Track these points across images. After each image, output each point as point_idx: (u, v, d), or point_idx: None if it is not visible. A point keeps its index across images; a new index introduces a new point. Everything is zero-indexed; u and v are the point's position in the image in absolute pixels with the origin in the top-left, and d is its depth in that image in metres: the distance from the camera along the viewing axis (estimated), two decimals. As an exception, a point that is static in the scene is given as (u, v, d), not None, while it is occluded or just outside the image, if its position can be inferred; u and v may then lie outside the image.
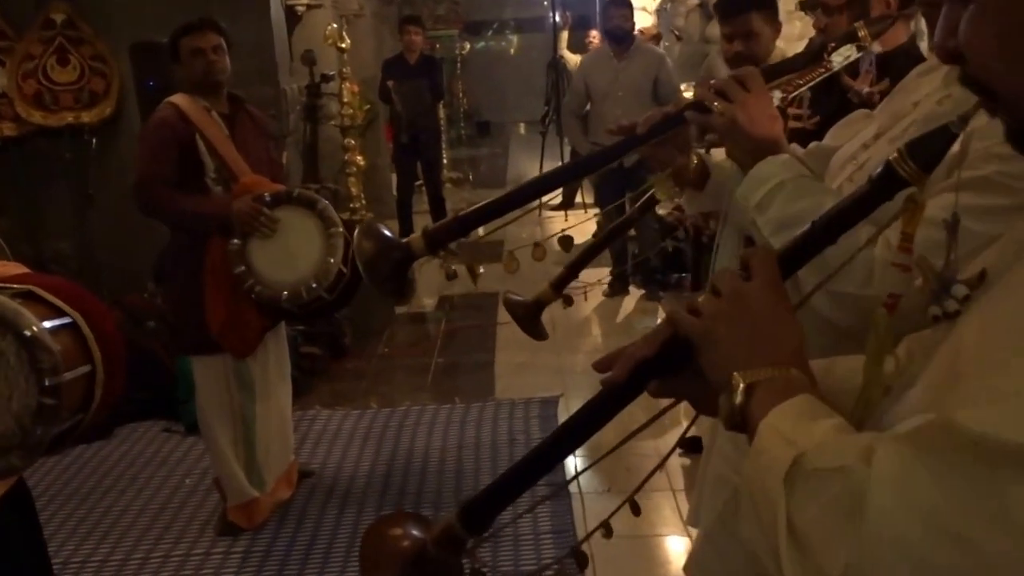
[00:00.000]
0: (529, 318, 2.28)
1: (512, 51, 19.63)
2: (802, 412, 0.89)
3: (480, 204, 1.80)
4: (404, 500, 4.05)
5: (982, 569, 0.70)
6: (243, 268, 3.58)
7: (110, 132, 5.92)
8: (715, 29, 8.46)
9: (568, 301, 2.36)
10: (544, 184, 2.09)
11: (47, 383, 1.92)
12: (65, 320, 2.04)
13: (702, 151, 1.86)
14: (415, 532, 1.30)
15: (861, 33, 1.71)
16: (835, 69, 1.74)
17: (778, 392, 0.91)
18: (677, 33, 9.77)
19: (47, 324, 1.96)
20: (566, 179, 2.54)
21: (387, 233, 1.84)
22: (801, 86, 1.78)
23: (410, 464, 4.42)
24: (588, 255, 2.31)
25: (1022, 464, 0.69)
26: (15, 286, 2.04)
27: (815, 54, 1.78)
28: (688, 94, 6.68)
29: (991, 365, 0.77)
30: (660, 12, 10.47)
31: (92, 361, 2.06)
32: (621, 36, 6.58)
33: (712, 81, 1.66)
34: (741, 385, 0.92)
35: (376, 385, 5.54)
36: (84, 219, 5.95)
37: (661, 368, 1.05)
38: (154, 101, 4.84)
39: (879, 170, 0.95)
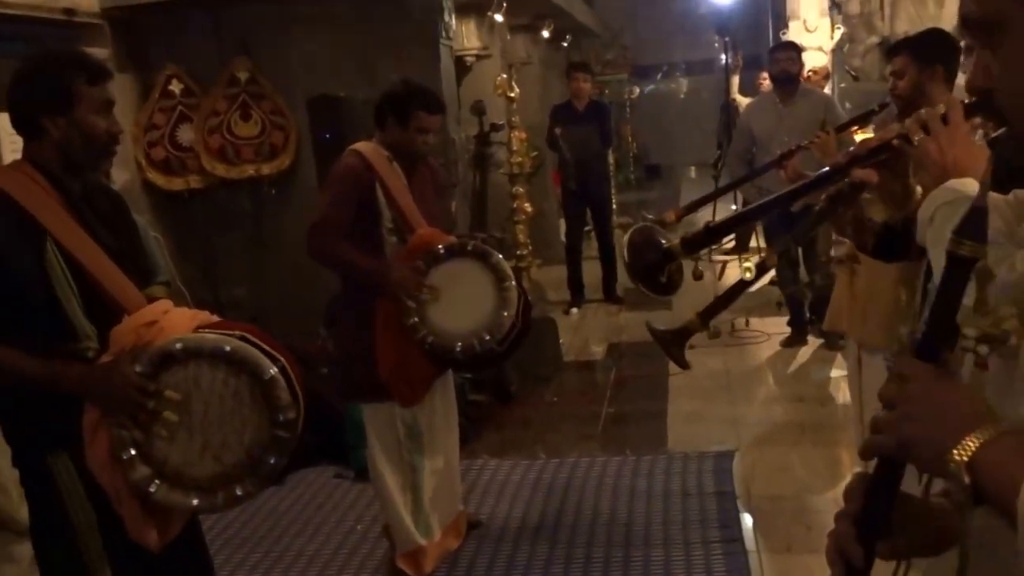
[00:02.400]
0: (675, 344, 2.43)
1: (682, 94, 19.60)
2: None
3: (728, 216, 2.24)
4: (573, 553, 4.02)
5: None
6: (416, 320, 3.66)
7: (287, 183, 6.23)
8: (895, 69, 8.22)
9: (715, 333, 2.69)
10: (779, 201, 2.34)
11: (281, 418, 2.16)
12: (279, 364, 2.24)
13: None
14: None
15: None
16: None
17: (1004, 448, 0.92)
18: (853, 73, 9.51)
19: (274, 369, 2.20)
20: (797, 196, 2.73)
21: (656, 237, 2.26)
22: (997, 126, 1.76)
23: (580, 516, 4.39)
24: (735, 291, 2.42)
25: None
26: (233, 332, 2.22)
27: None
28: (859, 136, 6.50)
29: None
30: (836, 51, 10.24)
31: (299, 400, 2.22)
32: (786, 80, 6.50)
33: (922, 111, 1.74)
34: (964, 460, 0.93)
35: (544, 434, 5.54)
36: (259, 266, 6.26)
37: (878, 508, 1.10)
38: (329, 152, 5.09)
39: (944, 265, 1.03)
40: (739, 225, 2.45)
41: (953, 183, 1.57)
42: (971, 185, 1.57)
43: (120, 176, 5.64)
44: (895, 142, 1.77)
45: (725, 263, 8.72)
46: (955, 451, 0.93)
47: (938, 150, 1.66)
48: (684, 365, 2.48)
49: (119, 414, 2.17)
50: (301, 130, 6.08)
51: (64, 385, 2.18)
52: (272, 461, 2.21)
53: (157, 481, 2.19)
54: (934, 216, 1.54)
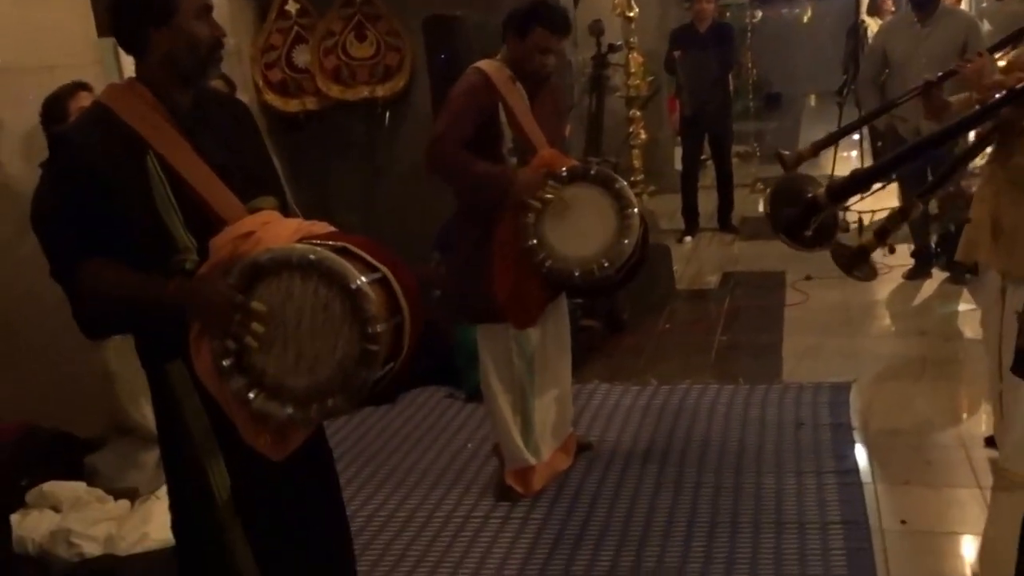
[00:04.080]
0: (857, 262, 2.50)
1: (805, 18, 18.94)
2: None
3: (876, 163, 2.28)
4: (684, 478, 4.05)
5: None
6: (535, 242, 3.68)
7: (402, 106, 6.29)
8: (1042, -12, 7.78)
9: (892, 249, 2.76)
10: (929, 142, 2.36)
11: (369, 331, 2.12)
12: (377, 275, 2.23)
13: None
14: None
15: None
16: None
17: None
18: (996, -7, 9.07)
19: (364, 278, 2.16)
20: (947, 138, 2.73)
21: (800, 187, 2.29)
22: None
23: (690, 443, 4.41)
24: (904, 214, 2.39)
25: None
26: (332, 243, 2.25)
27: None
28: (1002, 63, 6.18)
29: None
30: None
31: (401, 312, 2.24)
32: (924, 1, 6.18)
33: None
34: None
35: (655, 362, 5.55)
36: (373, 191, 6.37)
37: None
38: (445, 73, 5.12)
39: None
40: (888, 172, 2.37)
41: None
42: None
43: (241, 99, 5.78)
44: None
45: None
46: None
47: None
48: (872, 276, 2.50)
49: (213, 325, 2.21)
50: (416, 51, 6.11)
51: (163, 298, 2.23)
52: (363, 375, 2.15)
53: (255, 391, 2.20)
54: None
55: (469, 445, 4.60)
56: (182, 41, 2.30)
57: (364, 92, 6.20)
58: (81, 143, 2.26)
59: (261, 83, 6.25)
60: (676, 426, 4.61)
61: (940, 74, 3.22)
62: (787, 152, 3.38)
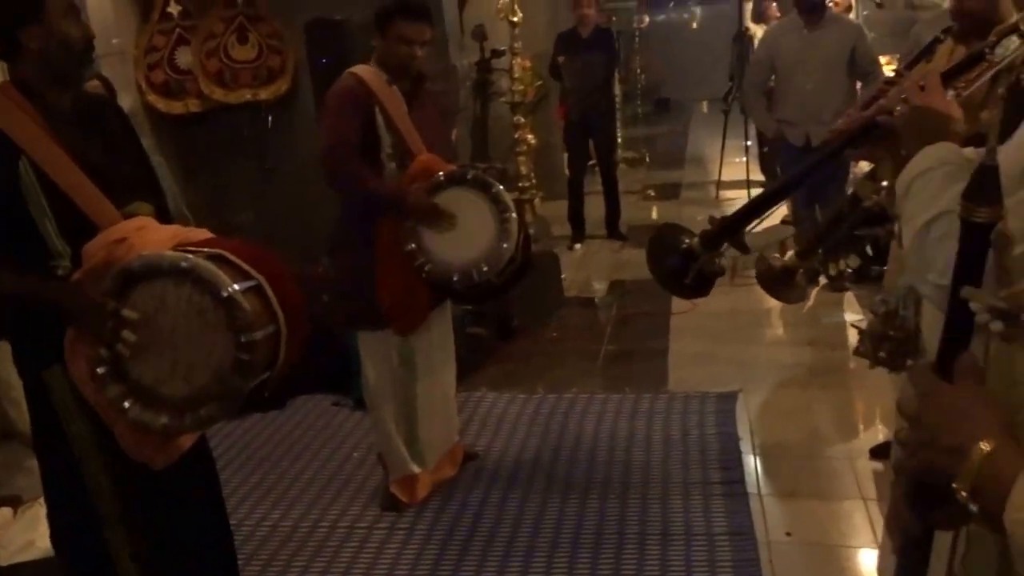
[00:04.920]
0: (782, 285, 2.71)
1: (694, 24, 19.38)
2: None
3: (743, 206, 2.37)
4: (571, 489, 4.14)
5: None
6: (414, 246, 3.75)
7: (286, 108, 6.28)
8: (923, -5, 8.17)
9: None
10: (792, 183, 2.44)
11: (243, 339, 2.15)
12: (251, 283, 2.25)
13: None
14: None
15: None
16: (1000, 64, 1.78)
17: (996, 462, 0.97)
18: (877, 1, 9.48)
19: (237, 286, 2.18)
20: (804, 178, 2.85)
21: (674, 238, 2.31)
22: (969, 85, 1.81)
23: (577, 452, 4.51)
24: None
25: None
26: (206, 250, 2.27)
27: (978, 52, 1.83)
28: (889, 68, 6.43)
29: None
30: (860, -22, 10.16)
31: (277, 321, 2.27)
32: (813, 6, 6.38)
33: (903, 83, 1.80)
34: (966, 494, 0.98)
35: (544, 369, 5.67)
36: (263, 192, 6.35)
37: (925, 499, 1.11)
38: (328, 77, 5.12)
39: (960, 231, 1.02)
40: (755, 215, 2.42)
41: (929, 150, 1.52)
42: (947, 149, 1.53)
43: (123, 100, 5.69)
44: (879, 119, 1.81)
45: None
46: (956, 485, 0.98)
47: (919, 115, 1.62)
48: (800, 298, 2.54)
49: (86, 332, 2.24)
50: (300, 55, 6.11)
51: (36, 301, 2.27)
52: (237, 384, 2.18)
53: (131, 399, 2.21)
54: (910, 187, 1.49)
55: (355, 454, 4.65)
56: (54, 40, 2.32)
57: (247, 95, 6.18)
58: None
59: (144, 84, 6.18)
60: (563, 435, 4.72)
61: (875, 92, 3.24)
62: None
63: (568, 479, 4.26)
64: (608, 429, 4.75)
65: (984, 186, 0.97)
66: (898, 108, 1.70)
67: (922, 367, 1.10)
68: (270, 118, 6.23)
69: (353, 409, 5.12)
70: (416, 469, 4.06)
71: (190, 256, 2.22)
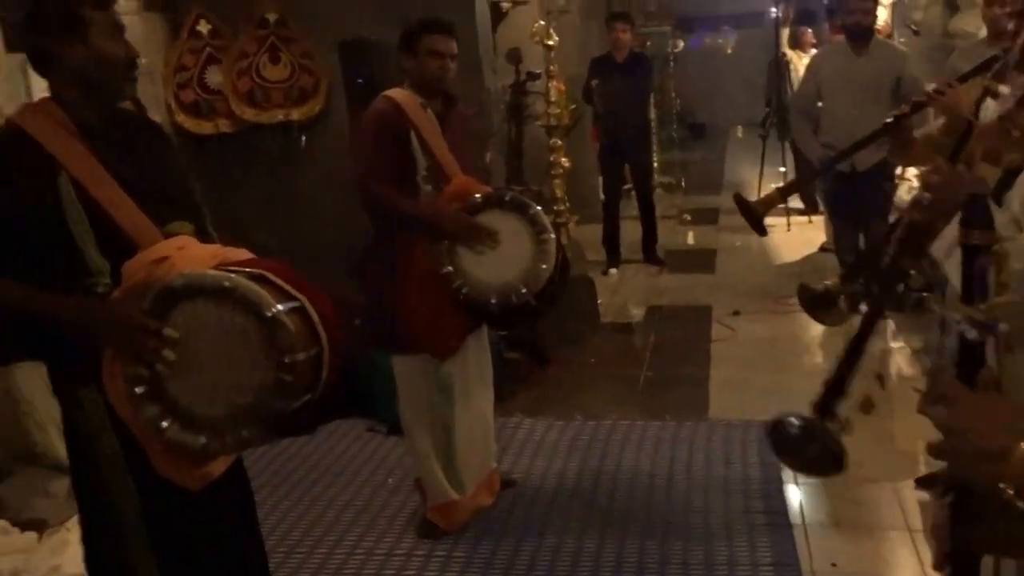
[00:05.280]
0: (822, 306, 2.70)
1: (729, 49, 19.39)
2: None
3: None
4: (611, 519, 4.08)
5: None
6: (451, 268, 3.73)
7: (318, 128, 6.27)
8: (960, 23, 8.11)
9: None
10: None
11: (286, 360, 2.11)
12: (294, 304, 2.22)
13: None
14: None
15: None
16: None
17: None
18: (914, 28, 9.42)
19: (281, 306, 2.15)
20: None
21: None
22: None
23: (617, 481, 4.45)
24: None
25: None
26: (248, 269, 2.25)
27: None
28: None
29: None
30: (896, 5, 10.12)
31: (319, 343, 2.24)
32: (861, 32, 6.35)
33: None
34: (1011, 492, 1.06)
35: (580, 395, 5.61)
36: (289, 214, 6.33)
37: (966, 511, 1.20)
38: (361, 97, 5.12)
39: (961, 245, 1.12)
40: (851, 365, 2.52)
41: None
42: None
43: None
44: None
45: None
46: (1002, 485, 1.05)
47: None
48: (840, 321, 2.73)
49: (125, 351, 2.21)
50: (333, 75, 6.11)
51: (70, 321, 2.23)
52: (279, 406, 2.16)
53: (168, 420, 2.19)
54: None
55: (390, 480, 4.59)
56: (95, 59, 2.31)
57: (279, 115, 6.17)
58: None
59: (173, 104, 6.18)
60: (602, 464, 4.65)
61: (907, 107, 3.17)
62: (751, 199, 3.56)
63: (608, 509, 4.20)
64: (648, 457, 4.69)
65: (975, 213, 1.08)
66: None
67: (944, 375, 1.18)
68: (303, 138, 6.21)
69: (387, 435, 5.08)
70: (455, 496, 4.01)
71: (233, 275, 2.20)
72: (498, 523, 4.08)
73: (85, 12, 2.30)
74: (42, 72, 2.38)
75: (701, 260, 8.82)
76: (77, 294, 2.25)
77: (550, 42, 6.70)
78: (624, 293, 7.86)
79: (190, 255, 2.32)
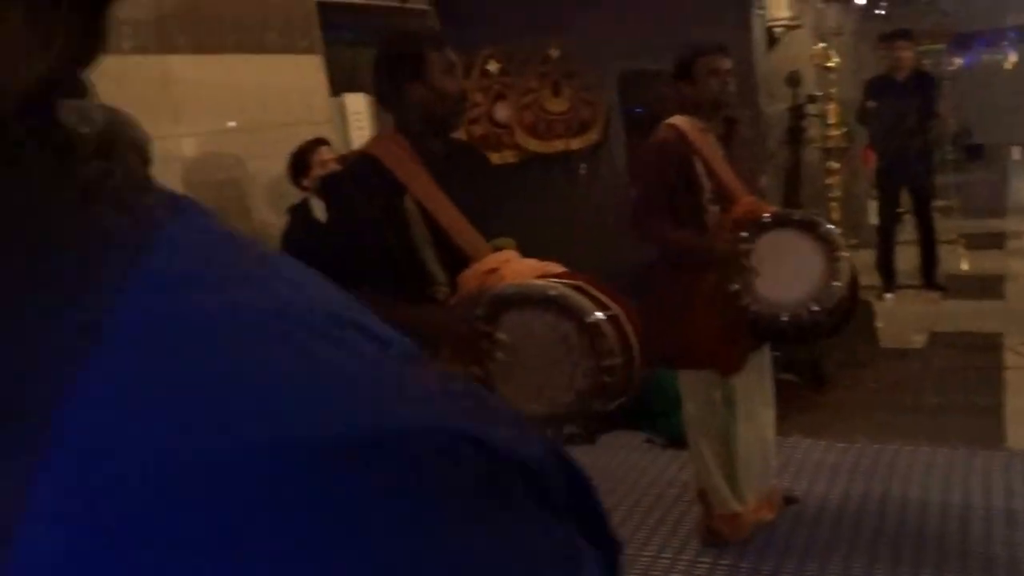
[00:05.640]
0: None
1: (1008, 65, 18.36)
2: None
3: None
4: (901, 551, 3.99)
5: None
6: (739, 286, 3.83)
7: (596, 157, 6.54)
8: None
9: None
10: None
11: (606, 363, 2.32)
12: (610, 312, 2.43)
13: None
14: None
15: None
16: None
17: None
18: None
19: (600, 314, 2.36)
20: None
21: None
22: None
23: (905, 511, 4.35)
24: None
25: None
26: (567, 281, 2.48)
27: None
28: None
29: None
30: None
31: (630, 351, 2.43)
32: None
33: None
34: None
35: (860, 420, 5.54)
36: (570, 239, 6.62)
37: None
38: (640, 126, 5.33)
39: None
40: None
41: None
42: None
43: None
44: None
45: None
46: None
47: None
48: None
49: (462, 352, 2.47)
50: (611, 105, 6.37)
51: (418, 326, 2.52)
52: (598, 406, 2.35)
53: None
54: None
55: (671, 491, 4.73)
56: (434, 94, 2.61)
57: (559, 145, 6.51)
58: (351, 187, 2.59)
59: (466, 138, 6.65)
60: (888, 490, 4.57)
61: None
62: None
63: (896, 540, 4.10)
64: (938, 487, 4.55)
65: None
66: None
67: None
68: (583, 166, 6.50)
69: (664, 447, 5.22)
70: (739, 507, 4.11)
71: (557, 285, 2.43)
72: (782, 539, 4.14)
73: (427, 52, 2.63)
74: (388, 107, 2.74)
75: (987, 286, 8.45)
76: (423, 301, 2.57)
77: (830, 64, 6.69)
78: (902, 318, 7.65)
79: (516, 267, 2.60)
